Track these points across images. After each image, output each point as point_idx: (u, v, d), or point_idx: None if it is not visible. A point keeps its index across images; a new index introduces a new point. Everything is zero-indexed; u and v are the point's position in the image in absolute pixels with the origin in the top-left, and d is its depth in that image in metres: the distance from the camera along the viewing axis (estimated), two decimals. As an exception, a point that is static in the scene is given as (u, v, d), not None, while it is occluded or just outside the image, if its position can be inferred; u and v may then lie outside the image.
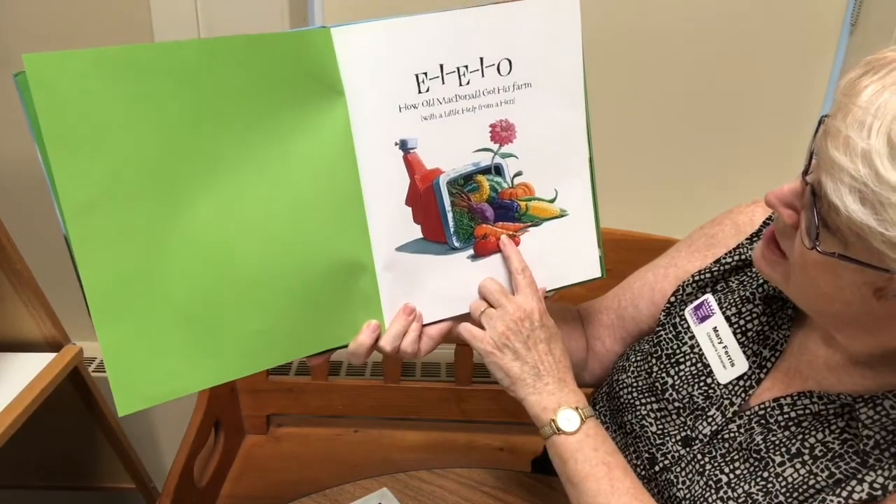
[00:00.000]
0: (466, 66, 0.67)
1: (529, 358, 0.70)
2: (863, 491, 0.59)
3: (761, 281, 0.73)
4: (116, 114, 0.56)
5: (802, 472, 0.63)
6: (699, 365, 0.74)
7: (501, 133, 0.70)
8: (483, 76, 0.68)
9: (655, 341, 0.78)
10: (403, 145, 0.67)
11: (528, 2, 0.67)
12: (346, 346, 0.71)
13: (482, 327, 0.72)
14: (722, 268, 0.76)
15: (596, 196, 0.76)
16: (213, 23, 1.28)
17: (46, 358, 1.07)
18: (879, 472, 0.59)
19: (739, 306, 0.73)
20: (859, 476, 0.60)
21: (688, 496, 0.69)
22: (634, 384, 0.78)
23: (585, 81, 0.72)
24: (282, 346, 0.68)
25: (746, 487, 0.65)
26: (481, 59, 0.67)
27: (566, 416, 0.68)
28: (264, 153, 0.62)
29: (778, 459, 0.65)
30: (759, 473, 0.66)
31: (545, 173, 0.73)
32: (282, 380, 1.30)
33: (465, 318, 0.74)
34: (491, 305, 0.72)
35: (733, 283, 0.76)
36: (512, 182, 0.72)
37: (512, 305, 0.71)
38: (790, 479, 0.64)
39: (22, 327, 1.08)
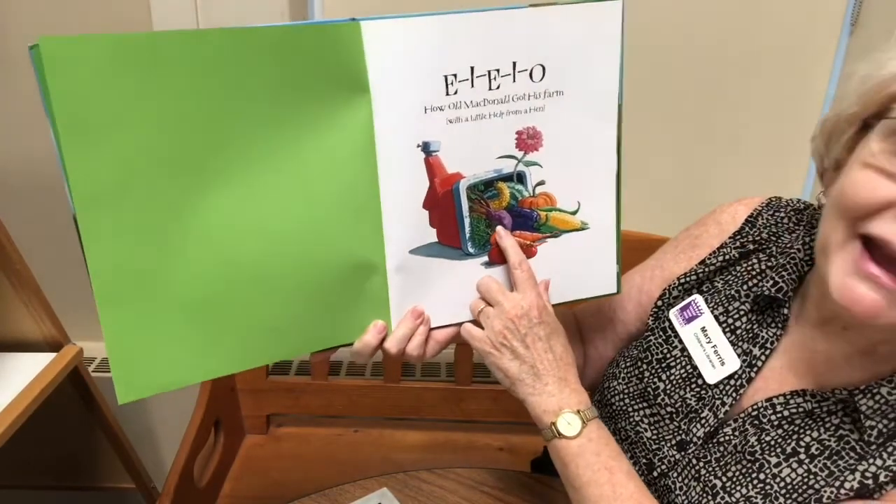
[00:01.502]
0: (498, 70, 0.65)
1: (528, 357, 0.69)
2: (854, 480, 0.59)
3: (746, 279, 0.73)
4: (133, 103, 0.55)
5: (800, 471, 0.63)
6: (689, 367, 0.73)
7: (527, 141, 0.69)
8: (514, 81, 0.66)
9: (645, 346, 0.77)
10: (426, 147, 0.66)
11: (569, 6, 0.65)
12: (350, 345, 0.70)
13: (482, 327, 0.71)
14: (706, 269, 0.76)
15: (621, 212, 0.74)
16: (212, 22, 1.28)
17: (46, 358, 1.07)
18: (871, 460, 0.59)
19: (726, 305, 0.73)
20: (853, 467, 0.60)
21: (686, 503, 0.69)
22: (626, 391, 0.77)
23: (622, 94, 0.69)
24: (287, 342, 0.67)
25: (744, 491, 0.65)
26: (514, 63, 0.65)
27: (566, 419, 0.67)
28: (283, 148, 0.61)
29: (774, 460, 0.65)
30: (755, 475, 0.65)
31: (569, 185, 0.71)
32: (282, 380, 1.29)
33: (474, 324, 0.74)
34: (489, 304, 0.72)
35: (718, 283, 0.75)
36: (533, 191, 0.71)
37: (509, 303, 0.69)
38: (788, 480, 0.63)
39: (22, 327, 1.08)
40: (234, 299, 0.63)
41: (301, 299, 0.66)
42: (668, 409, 0.73)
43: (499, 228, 0.71)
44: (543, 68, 0.66)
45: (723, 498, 0.66)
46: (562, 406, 0.68)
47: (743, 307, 0.72)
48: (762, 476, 0.65)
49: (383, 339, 0.70)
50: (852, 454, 0.61)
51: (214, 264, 0.62)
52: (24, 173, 1.30)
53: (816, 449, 0.63)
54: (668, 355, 0.75)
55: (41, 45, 0.52)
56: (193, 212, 0.60)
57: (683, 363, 0.74)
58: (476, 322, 0.73)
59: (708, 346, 0.72)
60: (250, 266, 0.63)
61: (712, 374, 0.71)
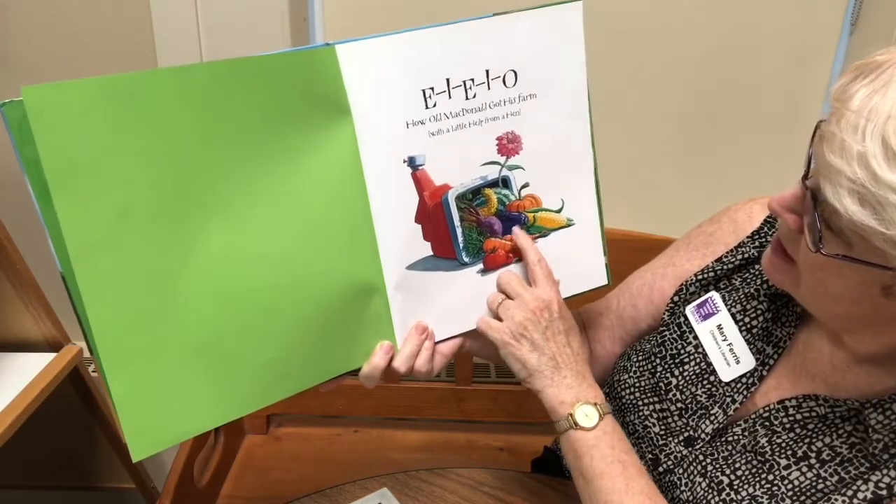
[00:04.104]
0: (473, 80, 0.67)
1: (547, 349, 0.70)
2: (868, 490, 0.59)
3: (765, 278, 0.73)
4: (122, 145, 0.54)
5: (810, 475, 0.63)
6: (703, 364, 0.74)
7: (508, 145, 0.70)
8: (489, 89, 0.67)
9: (659, 341, 0.78)
10: (412, 162, 0.67)
11: (532, 11, 0.67)
12: (358, 370, 0.70)
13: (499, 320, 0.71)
14: (724, 267, 0.76)
15: (601, 203, 0.76)
16: (212, 22, 1.28)
17: (46, 358, 1.07)
18: (885, 471, 0.59)
19: (744, 303, 0.73)
20: (866, 476, 0.60)
21: (691, 498, 0.69)
22: (637, 384, 0.78)
23: (588, 89, 0.72)
24: (295, 375, 0.67)
25: (751, 490, 0.65)
26: (487, 71, 0.67)
27: (584, 411, 0.68)
28: (272, 178, 0.61)
29: (783, 462, 0.65)
30: (763, 476, 0.65)
31: (551, 183, 0.73)
32: (282, 380, 1.29)
33: (476, 332, 0.74)
34: (508, 297, 0.72)
35: (736, 280, 0.76)
36: (519, 194, 0.72)
37: (530, 296, 0.70)
38: (796, 483, 0.63)
39: (22, 327, 1.08)
40: (240, 337, 0.62)
41: (306, 329, 0.65)
42: (679, 404, 0.73)
43: (515, 229, 0.73)
44: (515, 73, 0.68)
45: (728, 495, 0.66)
46: (579, 398, 0.69)
47: (761, 306, 0.72)
48: (770, 477, 0.65)
49: (391, 360, 0.70)
50: (864, 462, 0.61)
51: (216, 302, 0.61)
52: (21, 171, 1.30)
53: (828, 455, 0.63)
54: (683, 351, 0.75)
55: (24, 94, 0.50)
56: (190, 250, 0.59)
57: (697, 360, 0.74)
58: (494, 316, 0.72)
59: (723, 344, 0.73)
60: (252, 300, 0.62)
61: (727, 372, 0.72)
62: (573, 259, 0.76)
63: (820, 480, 0.62)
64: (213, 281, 0.60)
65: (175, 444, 0.63)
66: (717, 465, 0.69)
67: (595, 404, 0.68)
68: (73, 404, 1.19)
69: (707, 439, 0.71)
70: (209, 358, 0.62)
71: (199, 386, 0.62)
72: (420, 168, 0.67)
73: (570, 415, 0.68)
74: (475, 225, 0.71)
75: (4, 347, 1.09)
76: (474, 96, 0.67)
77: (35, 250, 1.12)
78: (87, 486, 1.41)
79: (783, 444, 0.66)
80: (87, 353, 1.13)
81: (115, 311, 0.57)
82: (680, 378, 0.74)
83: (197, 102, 0.56)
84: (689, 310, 0.76)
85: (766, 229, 0.75)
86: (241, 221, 0.60)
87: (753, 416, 0.69)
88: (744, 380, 0.71)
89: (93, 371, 1.39)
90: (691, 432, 0.72)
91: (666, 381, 0.75)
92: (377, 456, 1.31)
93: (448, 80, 0.66)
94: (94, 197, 0.54)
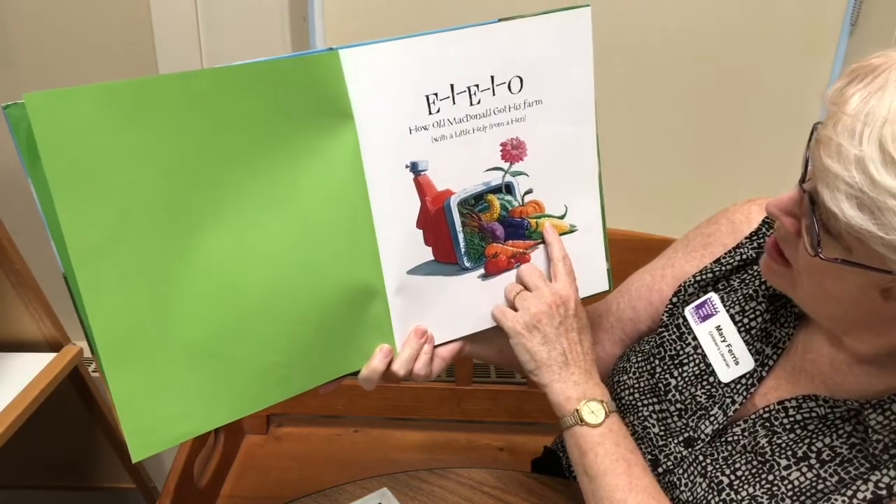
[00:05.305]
0: (477, 86, 0.66)
1: (558, 344, 0.70)
2: (867, 490, 0.59)
3: (763, 279, 0.73)
4: (124, 151, 0.54)
5: (810, 475, 0.63)
6: (702, 365, 0.74)
7: (512, 151, 0.70)
8: (494, 95, 0.67)
9: (658, 342, 0.78)
10: (414, 168, 0.67)
11: (540, 18, 0.66)
12: (357, 373, 0.71)
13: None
14: (723, 268, 0.76)
15: (604, 210, 0.76)
16: (212, 22, 1.28)
17: (46, 358, 1.07)
18: (885, 471, 0.59)
19: (743, 304, 0.73)
20: (865, 476, 0.60)
21: (691, 499, 0.69)
22: (636, 385, 0.78)
23: (594, 95, 0.71)
24: (295, 377, 0.67)
25: (751, 490, 0.65)
26: (492, 77, 0.67)
27: (591, 407, 0.68)
28: (274, 182, 0.61)
29: (783, 463, 0.65)
30: (763, 476, 0.65)
31: (555, 190, 0.73)
32: (282, 380, 1.29)
33: (476, 336, 0.75)
34: (527, 288, 0.72)
35: (735, 281, 0.76)
36: (522, 200, 0.72)
37: (548, 290, 0.71)
38: (797, 483, 0.63)
39: (22, 327, 1.08)
40: (240, 339, 0.63)
41: (305, 331, 0.66)
42: (678, 405, 0.73)
43: (545, 223, 0.73)
44: (521, 79, 0.68)
45: (728, 495, 0.66)
46: (586, 395, 0.69)
47: (759, 307, 0.72)
48: (770, 477, 0.65)
49: (390, 363, 0.71)
50: (864, 462, 0.61)
51: (217, 305, 0.61)
52: (24, 173, 1.30)
53: (828, 455, 0.63)
54: (682, 352, 0.75)
55: (27, 101, 0.50)
56: (192, 253, 0.59)
57: (696, 360, 0.74)
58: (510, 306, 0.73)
59: (722, 345, 0.73)
60: (253, 303, 0.63)
61: (726, 373, 0.72)
62: (575, 265, 0.75)
63: (820, 481, 0.62)
64: (213, 283, 0.60)
65: (175, 445, 0.63)
66: (717, 466, 0.69)
67: (601, 402, 0.69)
68: (73, 404, 1.19)
69: (707, 440, 0.71)
70: (209, 359, 0.62)
71: (199, 387, 0.62)
72: (422, 173, 0.67)
73: (577, 411, 0.68)
74: (477, 230, 0.71)
75: (4, 347, 1.09)
76: (479, 102, 0.67)
77: (35, 250, 1.12)
78: (87, 486, 1.41)
79: (783, 445, 0.66)
80: (87, 353, 1.13)
81: (116, 313, 0.57)
82: (679, 379, 0.74)
83: (200, 108, 0.56)
84: (688, 311, 0.76)
85: (764, 230, 0.75)
86: (242, 225, 0.61)
87: (753, 417, 0.69)
88: (743, 380, 0.71)
89: (93, 371, 1.39)
90: (691, 433, 0.72)
91: (665, 382, 0.75)
92: (377, 456, 1.31)
93: (452, 85, 0.65)
94: (97, 201, 0.54)
